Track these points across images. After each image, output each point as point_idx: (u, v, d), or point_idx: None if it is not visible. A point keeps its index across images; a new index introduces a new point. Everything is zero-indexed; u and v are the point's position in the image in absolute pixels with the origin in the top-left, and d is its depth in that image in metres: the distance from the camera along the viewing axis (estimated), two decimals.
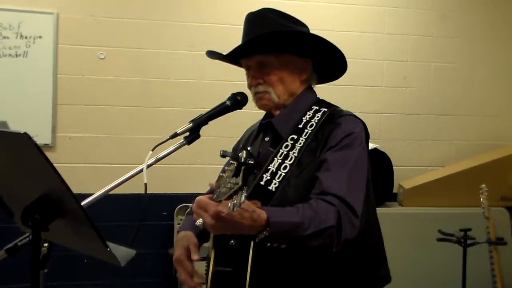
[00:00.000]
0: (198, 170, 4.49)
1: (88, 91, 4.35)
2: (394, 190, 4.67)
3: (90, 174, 4.18)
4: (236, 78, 4.29)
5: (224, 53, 1.92)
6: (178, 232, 1.98)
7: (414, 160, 4.86)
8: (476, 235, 3.87)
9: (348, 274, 1.75)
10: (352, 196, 1.62)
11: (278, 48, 1.82)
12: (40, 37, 4.24)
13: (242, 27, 4.53)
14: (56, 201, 1.30)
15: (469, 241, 3.79)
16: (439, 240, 3.87)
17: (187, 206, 4.43)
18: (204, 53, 4.44)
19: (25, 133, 1.17)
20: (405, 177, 4.72)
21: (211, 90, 4.45)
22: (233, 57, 1.93)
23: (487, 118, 4.98)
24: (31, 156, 1.22)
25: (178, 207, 4.45)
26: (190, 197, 4.46)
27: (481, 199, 4.09)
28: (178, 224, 4.46)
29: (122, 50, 4.39)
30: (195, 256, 1.74)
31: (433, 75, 4.89)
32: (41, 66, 4.25)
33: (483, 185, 4.10)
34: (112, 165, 4.31)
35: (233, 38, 4.25)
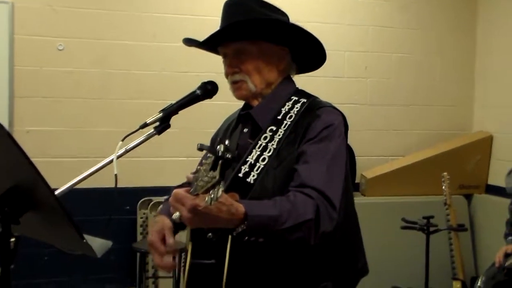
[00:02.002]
0: (161, 163, 4.43)
1: (46, 83, 4.23)
2: (356, 180, 4.72)
3: (49, 169, 3.99)
4: (198, 70, 4.29)
5: (201, 40, 1.88)
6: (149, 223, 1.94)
7: (376, 150, 4.92)
8: (438, 222, 3.95)
9: (326, 266, 1.75)
10: (331, 188, 1.61)
11: (256, 36, 1.79)
12: None
13: (204, 18, 4.49)
14: (27, 193, 1.25)
15: (432, 228, 3.87)
16: (403, 228, 3.93)
17: (150, 199, 4.38)
18: (166, 44, 4.46)
19: None
20: (367, 167, 4.78)
21: (172, 82, 4.39)
22: (211, 45, 1.89)
23: (446, 108, 5.08)
24: (2, 145, 1.18)
25: (141, 200, 4.39)
26: (153, 191, 4.46)
27: (443, 187, 4.18)
28: (141, 218, 4.40)
29: (82, 41, 4.29)
30: (170, 240, 1.68)
31: (393, 66, 4.95)
32: None
33: (445, 173, 4.18)
34: (72, 159, 4.22)
35: (195, 28, 4.26)
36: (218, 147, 1.26)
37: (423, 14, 5.00)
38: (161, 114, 1.75)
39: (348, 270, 1.84)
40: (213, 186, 1.24)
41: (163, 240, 1.69)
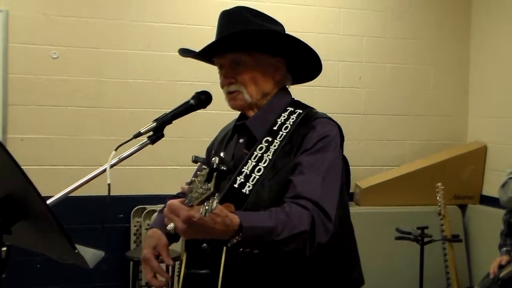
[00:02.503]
0: (154, 172, 4.42)
1: (41, 91, 4.22)
2: (351, 190, 4.71)
3: (43, 177, 4.04)
4: (193, 79, 4.30)
5: (197, 51, 1.87)
6: (146, 229, 1.93)
7: (370, 160, 4.92)
8: (432, 233, 3.94)
9: (321, 277, 1.74)
10: (326, 200, 1.61)
11: (252, 47, 1.79)
12: None
13: (200, 27, 4.50)
14: (19, 202, 1.24)
15: (426, 239, 3.86)
16: (398, 238, 3.92)
17: (144, 207, 4.37)
18: (161, 53, 4.46)
19: None
20: (361, 176, 4.77)
21: (167, 91, 4.39)
22: (206, 55, 1.89)
23: (440, 118, 5.09)
24: None
25: (135, 209, 4.38)
26: (147, 199, 4.44)
27: (438, 197, 4.17)
28: (135, 226, 4.38)
29: (76, 50, 4.28)
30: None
31: (387, 76, 4.96)
32: None
33: (439, 184, 4.18)
34: (66, 167, 4.21)
35: (190, 38, 4.26)
36: (213, 159, 1.25)
37: (417, 24, 5.02)
38: (155, 123, 1.75)
39: (344, 281, 1.83)
40: (207, 198, 1.24)
41: (158, 256, 1.69)
